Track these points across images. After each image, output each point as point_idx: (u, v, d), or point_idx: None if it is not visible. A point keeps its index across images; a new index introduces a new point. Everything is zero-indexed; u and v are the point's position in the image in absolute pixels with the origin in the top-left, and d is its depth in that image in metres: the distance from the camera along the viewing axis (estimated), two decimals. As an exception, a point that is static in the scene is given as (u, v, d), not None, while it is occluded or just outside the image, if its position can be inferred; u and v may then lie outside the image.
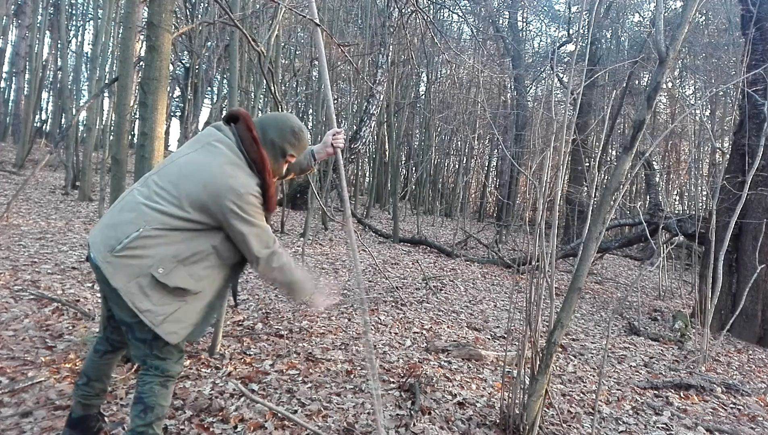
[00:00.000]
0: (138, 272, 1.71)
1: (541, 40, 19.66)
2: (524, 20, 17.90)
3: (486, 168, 19.39)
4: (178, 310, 1.77)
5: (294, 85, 15.28)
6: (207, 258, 1.79)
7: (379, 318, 4.50)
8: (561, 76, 12.76)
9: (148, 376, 1.84)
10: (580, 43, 8.79)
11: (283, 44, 10.65)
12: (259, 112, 11.01)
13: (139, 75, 5.96)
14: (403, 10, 8.38)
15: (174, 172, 1.80)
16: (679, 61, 13.61)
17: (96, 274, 1.84)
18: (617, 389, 3.53)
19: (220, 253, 1.81)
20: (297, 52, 14.75)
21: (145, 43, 3.31)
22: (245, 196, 1.76)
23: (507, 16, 17.03)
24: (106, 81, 9.23)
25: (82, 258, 4.96)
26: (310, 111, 15.19)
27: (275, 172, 1.95)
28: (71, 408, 2.06)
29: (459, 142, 17.14)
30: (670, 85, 14.41)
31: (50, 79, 16.03)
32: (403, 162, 16.40)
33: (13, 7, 13.86)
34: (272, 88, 3.70)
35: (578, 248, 3.41)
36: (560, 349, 4.22)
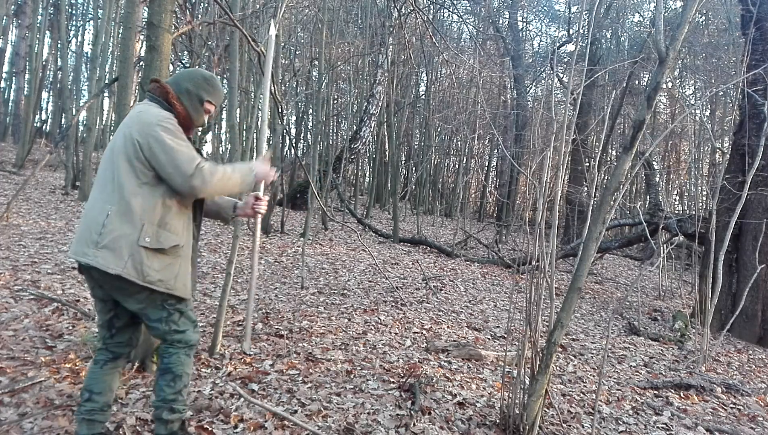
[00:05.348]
0: (129, 250, 1.81)
1: (541, 40, 19.71)
2: (524, 20, 17.89)
3: (486, 168, 19.38)
4: (180, 266, 1.92)
5: (294, 85, 15.26)
6: (170, 209, 1.90)
7: (379, 318, 4.50)
8: (561, 76, 12.76)
9: (173, 348, 1.95)
10: (580, 43, 8.78)
11: (283, 44, 10.63)
12: (259, 111, 10.97)
13: (139, 75, 5.96)
14: (402, 10, 8.38)
15: (107, 154, 1.94)
16: (679, 61, 13.61)
17: (91, 279, 1.88)
18: (617, 389, 3.53)
19: (175, 196, 1.91)
20: (297, 52, 14.74)
21: (145, 43, 3.32)
22: (161, 123, 1.88)
23: (507, 16, 17.03)
24: (106, 81, 9.24)
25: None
26: (310, 111, 15.18)
27: (197, 122, 2.06)
28: (75, 431, 1.99)
29: (459, 142, 17.14)
30: (670, 85, 14.41)
31: (50, 79, 16.02)
32: (403, 162, 16.39)
33: (13, 7, 13.86)
34: (272, 88, 3.70)
35: (578, 248, 3.41)
36: (560, 349, 4.22)
